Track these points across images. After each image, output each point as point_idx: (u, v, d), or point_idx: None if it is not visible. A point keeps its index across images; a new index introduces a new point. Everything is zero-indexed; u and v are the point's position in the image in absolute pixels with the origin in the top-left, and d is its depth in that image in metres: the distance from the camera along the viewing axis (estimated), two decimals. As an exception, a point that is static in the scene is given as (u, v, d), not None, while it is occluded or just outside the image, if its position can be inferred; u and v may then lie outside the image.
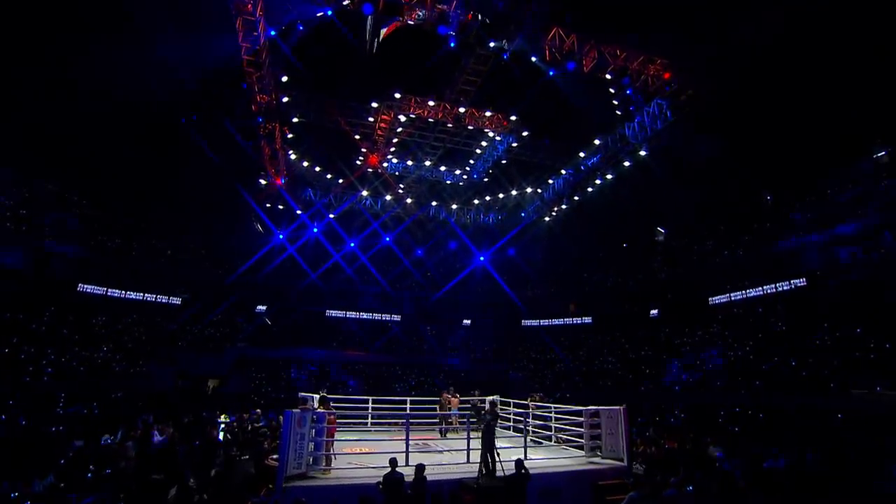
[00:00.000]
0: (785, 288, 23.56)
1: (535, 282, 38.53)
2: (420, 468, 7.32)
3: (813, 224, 22.71)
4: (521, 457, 8.26)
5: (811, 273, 22.40)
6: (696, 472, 9.98)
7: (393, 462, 7.41)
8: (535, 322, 38.09)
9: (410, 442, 8.84)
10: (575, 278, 37.76)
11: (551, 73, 16.61)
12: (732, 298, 26.33)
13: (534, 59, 15.97)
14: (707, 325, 26.92)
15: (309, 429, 7.92)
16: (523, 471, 7.63)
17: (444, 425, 13.22)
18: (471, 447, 8.96)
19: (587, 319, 35.25)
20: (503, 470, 7.98)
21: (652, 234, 35.01)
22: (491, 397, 15.01)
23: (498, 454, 8.08)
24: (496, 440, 8.46)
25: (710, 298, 27.78)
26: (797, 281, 22.96)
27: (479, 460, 8.29)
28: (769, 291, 24.40)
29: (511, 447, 10.06)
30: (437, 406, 13.70)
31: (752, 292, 25.38)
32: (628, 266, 34.58)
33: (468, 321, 38.48)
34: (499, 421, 9.72)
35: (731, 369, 21.26)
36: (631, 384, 25.89)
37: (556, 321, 36.82)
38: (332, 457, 8.67)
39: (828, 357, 17.89)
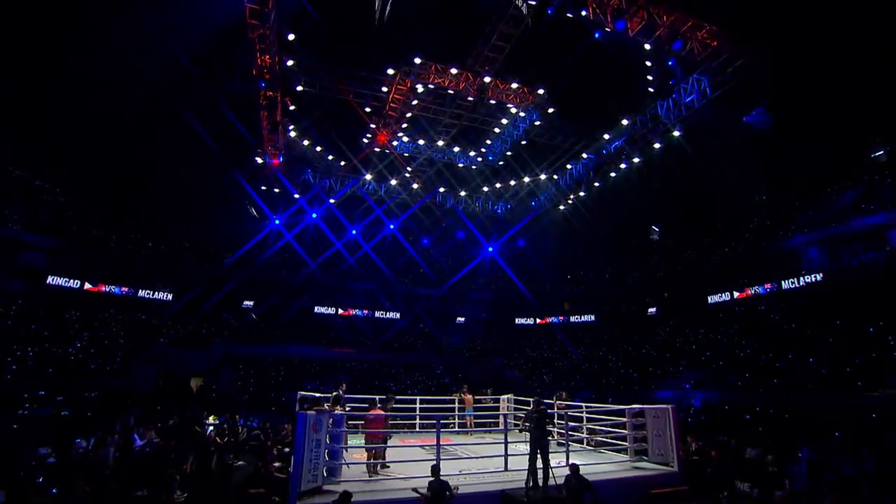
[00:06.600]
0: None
1: (539, 278, 37.50)
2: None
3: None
4: (574, 463, 7.15)
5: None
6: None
7: (435, 470, 6.31)
8: (530, 320, 37.21)
9: (428, 447, 7.72)
10: (575, 275, 36.92)
11: (597, 34, 15.27)
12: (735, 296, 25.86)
13: (584, 12, 14.60)
14: (708, 323, 26.30)
15: (325, 434, 6.67)
16: (575, 480, 6.55)
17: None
18: (508, 452, 7.81)
19: (588, 318, 34.51)
20: (555, 479, 6.87)
21: (650, 232, 34.34)
22: (505, 395, 14.04)
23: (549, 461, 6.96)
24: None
25: (709, 297, 27.36)
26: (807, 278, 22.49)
27: (526, 468, 7.13)
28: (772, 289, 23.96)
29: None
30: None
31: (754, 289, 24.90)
32: (629, 262, 33.86)
33: (463, 318, 37.38)
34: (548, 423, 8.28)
35: (741, 367, 20.57)
36: (635, 382, 25.07)
37: (554, 319, 36.02)
38: (347, 466, 7.51)
39: (845, 355, 17.26)
